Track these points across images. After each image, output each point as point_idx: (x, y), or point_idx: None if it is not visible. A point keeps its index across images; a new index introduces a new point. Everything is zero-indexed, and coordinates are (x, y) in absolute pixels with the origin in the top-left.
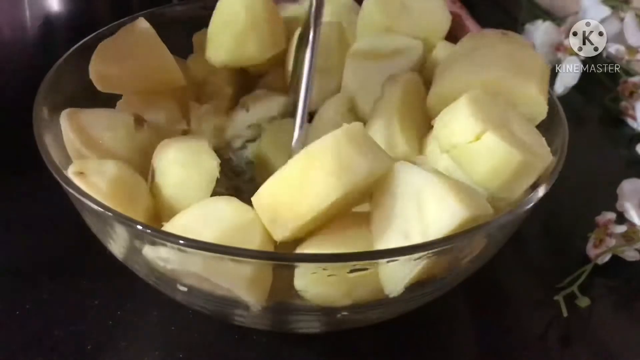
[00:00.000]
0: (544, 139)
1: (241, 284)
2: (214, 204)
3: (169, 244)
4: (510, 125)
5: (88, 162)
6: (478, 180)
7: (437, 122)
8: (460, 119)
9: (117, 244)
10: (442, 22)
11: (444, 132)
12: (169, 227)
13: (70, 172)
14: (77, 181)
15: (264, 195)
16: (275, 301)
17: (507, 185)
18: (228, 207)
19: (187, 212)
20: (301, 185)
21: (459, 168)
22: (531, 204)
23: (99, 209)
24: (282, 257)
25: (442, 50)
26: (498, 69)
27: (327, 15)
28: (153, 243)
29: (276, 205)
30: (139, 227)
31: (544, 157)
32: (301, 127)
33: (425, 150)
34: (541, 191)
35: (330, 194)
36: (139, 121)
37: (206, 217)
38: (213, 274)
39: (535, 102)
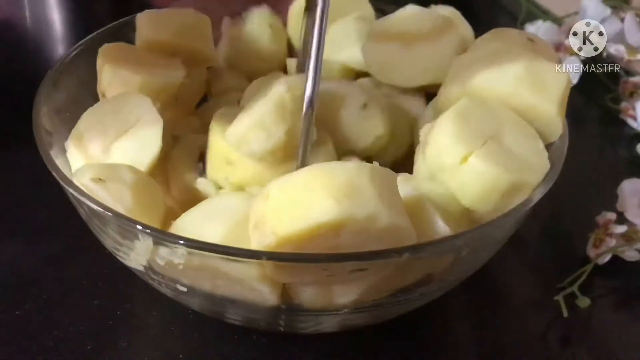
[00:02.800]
0: (542, 144)
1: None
2: (222, 199)
3: (178, 247)
4: (502, 136)
5: (100, 166)
6: (469, 204)
7: (422, 137)
8: (444, 141)
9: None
10: None
11: (430, 151)
12: (179, 222)
13: (89, 179)
14: (99, 189)
15: (259, 197)
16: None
17: (499, 206)
18: (238, 200)
19: (198, 207)
20: (298, 197)
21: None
22: (528, 207)
23: (99, 208)
24: (281, 256)
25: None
26: (517, 82)
27: None
28: (164, 245)
29: (265, 210)
30: (148, 231)
31: (538, 169)
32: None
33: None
34: (537, 195)
35: (320, 215)
36: None
37: (217, 211)
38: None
39: (552, 123)
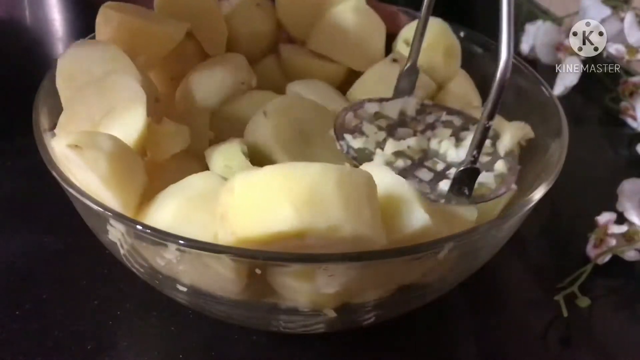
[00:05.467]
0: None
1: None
2: (190, 178)
3: (168, 243)
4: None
5: (80, 133)
6: None
7: None
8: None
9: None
10: None
11: None
12: (155, 199)
13: (65, 144)
14: (74, 155)
15: (226, 188)
16: (270, 300)
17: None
18: (198, 178)
19: (171, 185)
20: (258, 199)
21: None
22: (526, 209)
23: (99, 208)
24: (271, 255)
25: None
26: None
27: None
28: (152, 243)
29: (228, 205)
30: (139, 227)
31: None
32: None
33: None
34: (537, 195)
35: (278, 224)
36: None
37: (177, 188)
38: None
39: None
